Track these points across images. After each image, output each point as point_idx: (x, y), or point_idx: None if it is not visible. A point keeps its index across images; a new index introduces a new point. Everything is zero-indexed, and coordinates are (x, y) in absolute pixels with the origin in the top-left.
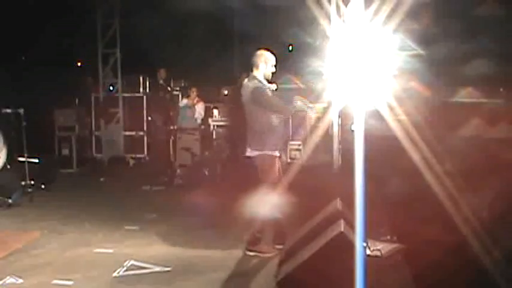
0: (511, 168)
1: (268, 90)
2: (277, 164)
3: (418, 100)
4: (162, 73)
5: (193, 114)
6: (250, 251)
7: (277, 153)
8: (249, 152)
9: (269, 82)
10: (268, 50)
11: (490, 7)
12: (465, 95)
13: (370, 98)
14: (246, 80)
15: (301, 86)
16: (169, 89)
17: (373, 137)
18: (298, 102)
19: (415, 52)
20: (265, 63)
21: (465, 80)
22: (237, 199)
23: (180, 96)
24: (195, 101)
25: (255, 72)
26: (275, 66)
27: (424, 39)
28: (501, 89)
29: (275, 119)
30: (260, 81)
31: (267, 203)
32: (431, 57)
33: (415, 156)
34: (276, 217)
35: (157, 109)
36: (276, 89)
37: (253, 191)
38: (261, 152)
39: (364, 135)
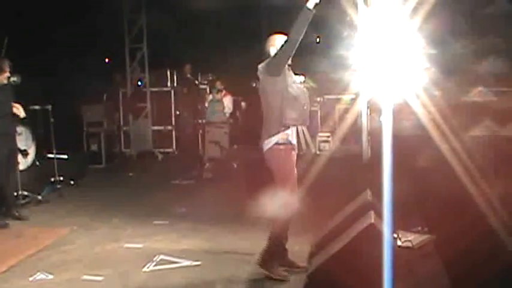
0: None
1: None
2: (292, 157)
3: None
4: (187, 69)
5: (222, 108)
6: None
7: (289, 141)
8: (261, 145)
9: (295, 74)
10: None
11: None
12: None
13: (398, 90)
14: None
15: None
16: (196, 82)
17: (402, 129)
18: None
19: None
20: (275, 47)
21: None
22: (265, 192)
23: (208, 89)
24: (222, 95)
25: None
26: None
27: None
28: None
29: (294, 87)
30: None
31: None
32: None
33: (444, 148)
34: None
35: (185, 103)
36: (304, 81)
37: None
38: (267, 141)
39: (392, 126)
